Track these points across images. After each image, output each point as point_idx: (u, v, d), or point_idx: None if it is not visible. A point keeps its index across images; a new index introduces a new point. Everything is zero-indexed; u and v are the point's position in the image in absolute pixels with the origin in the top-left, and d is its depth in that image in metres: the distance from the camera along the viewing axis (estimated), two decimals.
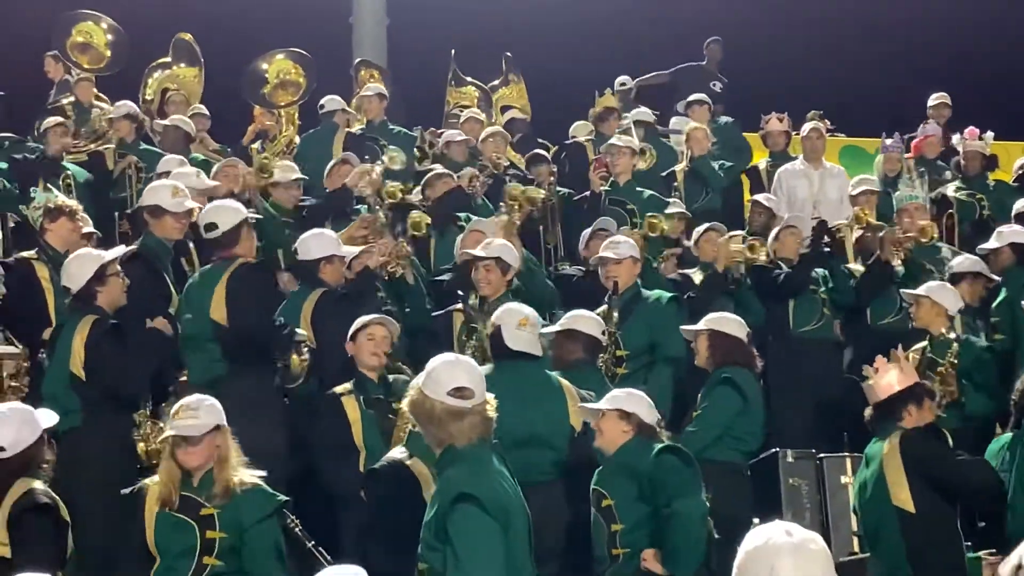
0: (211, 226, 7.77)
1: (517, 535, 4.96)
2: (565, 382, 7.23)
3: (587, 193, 11.72)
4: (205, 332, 7.63)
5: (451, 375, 4.94)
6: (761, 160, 13.22)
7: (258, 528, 6.02)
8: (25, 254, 8.70)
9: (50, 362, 7.54)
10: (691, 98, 14.07)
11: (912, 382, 7.00)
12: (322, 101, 13.16)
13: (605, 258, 8.88)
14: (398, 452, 6.63)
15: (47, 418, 6.12)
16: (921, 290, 9.01)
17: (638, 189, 11.42)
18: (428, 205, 10.87)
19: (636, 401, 6.75)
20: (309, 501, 7.30)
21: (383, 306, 8.74)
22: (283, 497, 6.17)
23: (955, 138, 12.88)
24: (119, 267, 7.57)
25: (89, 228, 9.32)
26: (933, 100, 14.03)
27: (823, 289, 10.14)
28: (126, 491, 6.27)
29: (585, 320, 7.83)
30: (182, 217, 8.24)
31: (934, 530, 6.81)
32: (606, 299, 8.71)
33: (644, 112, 13.80)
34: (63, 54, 13.96)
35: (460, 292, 9.17)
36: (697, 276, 10.11)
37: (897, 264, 10.23)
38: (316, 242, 8.60)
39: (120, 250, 7.82)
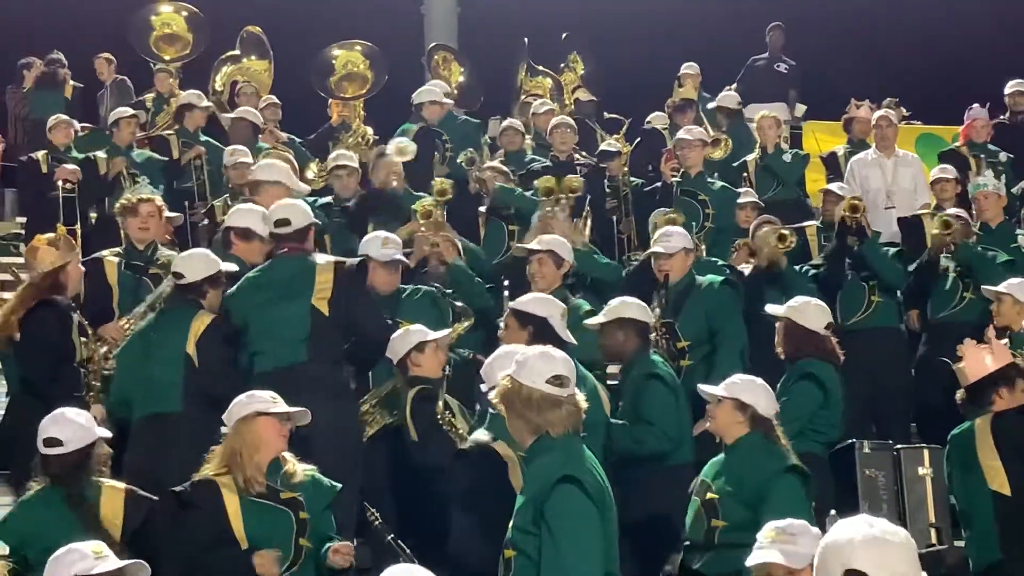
0: (284, 222, 7.76)
1: (609, 523, 5.03)
2: (587, 372, 7.06)
3: (658, 184, 11.68)
4: (300, 318, 7.54)
5: (548, 364, 5.03)
6: (839, 146, 13.08)
7: (325, 513, 6.24)
8: (104, 253, 8.68)
9: (154, 344, 7.50)
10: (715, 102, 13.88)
11: (1006, 363, 6.90)
12: (413, 95, 13.05)
13: (656, 253, 8.75)
14: (482, 434, 6.58)
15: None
16: (1002, 287, 8.66)
17: (709, 180, 11.33)
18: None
19: (754, 391, 6.42)
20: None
21: (440, 295, 8.78)
22: (339, 485, 6.36)
23: None
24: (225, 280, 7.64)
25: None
26: (1010, 88, 13.86)
27: (864, 274, 9.67)
28: (177, 488, 6.16)
29: (631, 307, 7.74)
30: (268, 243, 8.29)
31: None
32: (655, 292, 8.63)
33: (729, 97, 13.72)
34: (147, 51, 14.15)
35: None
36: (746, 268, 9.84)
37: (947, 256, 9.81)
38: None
39: (233, 267, 7.83)
